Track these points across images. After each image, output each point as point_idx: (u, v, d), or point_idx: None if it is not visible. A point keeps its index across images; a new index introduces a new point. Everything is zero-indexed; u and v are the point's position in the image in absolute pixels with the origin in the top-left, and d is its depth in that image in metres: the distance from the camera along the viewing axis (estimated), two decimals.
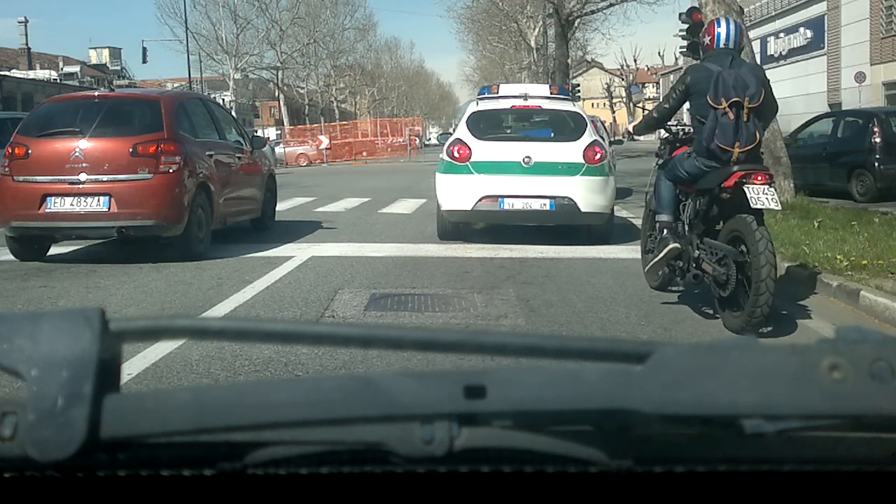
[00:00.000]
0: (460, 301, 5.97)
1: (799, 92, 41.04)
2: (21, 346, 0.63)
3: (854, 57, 36.15)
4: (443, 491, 0.69)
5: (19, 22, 62.03)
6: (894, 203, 11.86)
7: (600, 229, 9.09)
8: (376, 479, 0.67)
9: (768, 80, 5.34)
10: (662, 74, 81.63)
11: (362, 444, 0.64)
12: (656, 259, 5.63)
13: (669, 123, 5.97)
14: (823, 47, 40.23)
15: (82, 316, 0.63)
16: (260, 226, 10.43)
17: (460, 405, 0.60)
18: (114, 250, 8.71)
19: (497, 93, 10.16)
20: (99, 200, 7.81)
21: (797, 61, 42.93)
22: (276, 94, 55.39)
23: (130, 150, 7.85)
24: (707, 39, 5.50)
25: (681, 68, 69.53)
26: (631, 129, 6.42)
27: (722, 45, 5.40)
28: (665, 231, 5.61)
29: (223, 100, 46.60)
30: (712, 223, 5.40)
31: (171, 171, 7.90)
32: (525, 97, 9.87)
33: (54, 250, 8.58)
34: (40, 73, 56.05)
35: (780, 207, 5.14)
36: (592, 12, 35.93)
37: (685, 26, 13.79)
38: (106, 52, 72.46)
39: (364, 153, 48.93)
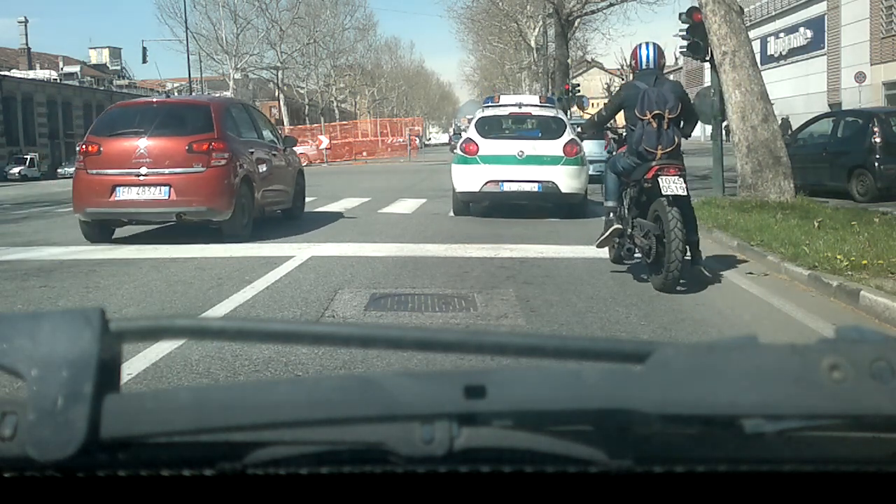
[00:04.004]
0: (460, 301, 5.97)
1: (799, 92, 41.06)
2: (21, 346, 0.62)
3: (854, 57, 36.15)
4: (443, 491, 0.69)
5: (19, 22, 62.02)
6: (894, 203, 11.85)
7: (577, 207, 11.76)
8: (376, 479, 0.67)
9: (686, 94, 6.63)
10: None
11: (362, 444, 0.64)
12: (602, 237, 6.89)
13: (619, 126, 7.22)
14: (823, 47, 40.22)
15: (82, 316, 0.63)
16: (290, 216, 11.68)
17: (460, 405, 0.60)
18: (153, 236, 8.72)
19: (498, 102, 13.17)
20: (160, 190, 9.16)
21: (797, 61, 42.92)
22: (276, 94, 55.42)
23: (187, 147, 9.20)
24: (633, 62, 6.82)
25: (681, 68, 69.60)
26: (580, 130, 7.83)
27: (644, 67, 6.65)
28: (611, 214, 6.79)
29: None
30: (644, 207, 6.49)
31: (220, 165, 9.24)
32: (520, 106, 12.85)
33: (55, 251, 8.59)
34: (40, 73, 56.05)
35: (685, 193, 6.15)
36: (592, 12, 35.92)
37: (685, 26, 13.77)
38: (106, 52, 72.44)
39: (364, 153, 48.96)
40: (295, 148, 12.85)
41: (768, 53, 44.93)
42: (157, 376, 4.02)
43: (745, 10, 15.35)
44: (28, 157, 46.39)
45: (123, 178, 9.16)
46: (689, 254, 6.25)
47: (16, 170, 44.47)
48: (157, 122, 9.59)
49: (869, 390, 0.58)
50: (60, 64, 61.24)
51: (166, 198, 9.14)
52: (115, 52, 73.34)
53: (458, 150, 12.20)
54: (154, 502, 0.70)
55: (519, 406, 0.60)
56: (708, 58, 12.99)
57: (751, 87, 11.56)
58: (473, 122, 12.79)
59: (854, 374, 0.58)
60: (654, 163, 6.18)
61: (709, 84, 14.19)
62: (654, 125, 6.25)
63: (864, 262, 6.31)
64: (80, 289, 6.63)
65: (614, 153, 6.94)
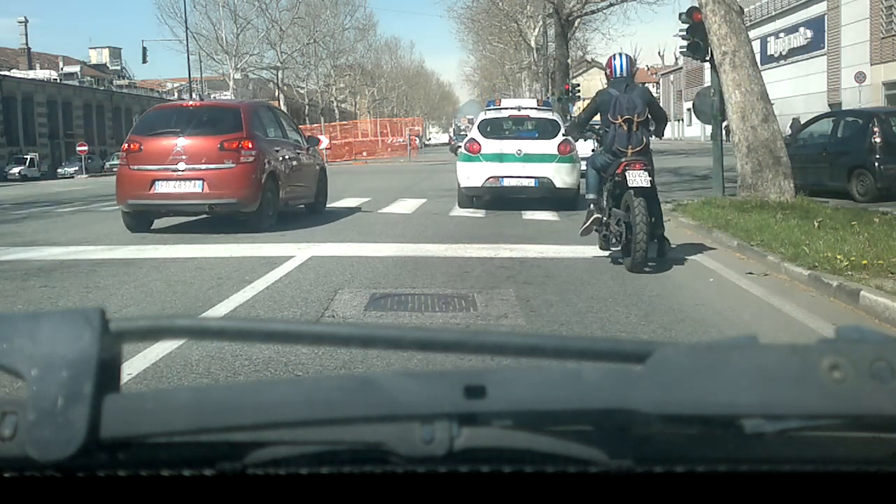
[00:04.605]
0: (460, 301, 5.96)
1: (799, 92, 41.05)
2: (21, 346, 0.62)
3: (854, 57, 36.14)
4: (443, 491, 0.69)
5: (19, 22, 62.05)
6: (894, 203, 11.84)
7: (570, 200, 12.91)
8: (376, 479, 0.67)
9: (653, 99, 7.63)
10: (662, 74, 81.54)
11: (362, 444, 0.64)
12: (584, 225, 7.70)
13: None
14: (823, 47, 40.22)
15: (82, 316, 0.63)
16: (313, 210, 12.54)
17: (460, 405, 0.60)
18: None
19: (500, 105, 14.65)
20: (195, 184, 10.18)
21: (797, 61, 42.92)
22: (276, 94, 55.41)
23: (219, 145, 10.21)
24: (608, 71, 7.65)
25: (681, 68, 69.47)
26: (565, 131, 9.05)
27: (618, 75, 7.46)
28: (592, 205, 7.66)
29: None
30: (618, 199, 7.25)
31: (248, 162, 10.25)
32: (519, 109, 14.26)
33: (55, 251, 8.57)
34: (40, 73, 56.05)
35: (649, 185, 6.96)
36: (592, 12, 35.92)
37: (685, 26, 13.76)
38: (106, 52, 72.45)
39: (364, 153, 48.96)
40: None
41: (768, 53, 44.92)
42: (157, 376, 4.02)
43: (745, 10, 15.35)
44: (28, 157, 46.39)
45: (162, 173, 10.19)
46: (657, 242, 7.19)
47: (16, 170, 44.48)
48: (193, 123, 10.66)
49: (869, 390, 0.58)
50: (60, 64, 61.24)
51: (200, 191, 10.16)
52: (115, 52, 73.35)
53: (462, 150, 13.55)
54: (154, 502, 0.70)
55: (519, 406, 0.60)
56: (708, 58, 12.98)
57: (751, 87, 11.55)
58: (476, 123, 14.27)
59: (854, 374, 0.58)
60: (623, 159, 7.06)
61: (709, 84, 14.19)
62: (625, 128, 7.13)
63: (864, 262, 6.31)
64: (80, 289, 6.63)
65: (594, 151, 7.88)
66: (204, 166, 10.16)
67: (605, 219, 7.42)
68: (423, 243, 9.11)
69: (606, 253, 7.62)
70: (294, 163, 11.66)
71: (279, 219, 10.94)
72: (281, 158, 11.15)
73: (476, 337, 0.66)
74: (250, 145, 10.31)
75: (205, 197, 10.20)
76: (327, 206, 13.79)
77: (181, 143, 10.31)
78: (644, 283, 6.51)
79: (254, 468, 0.66)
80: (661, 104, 8.07)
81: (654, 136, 7.53)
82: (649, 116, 7.29)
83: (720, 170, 13.77)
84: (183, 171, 10.16)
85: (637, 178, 6.93)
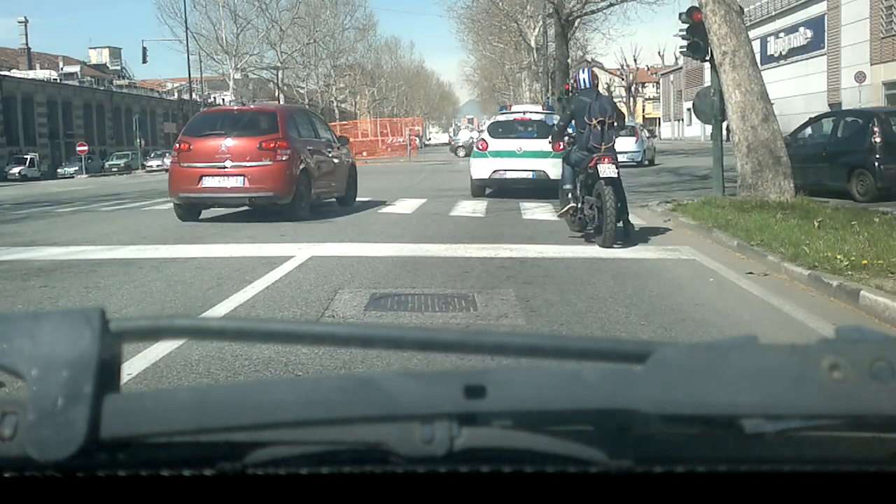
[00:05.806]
0: (460, 301, 5.96)
1: (799, 92, 41.05)
2: (21, 346, 0.62)
3: (854, 57, 36.15)
4: (443, 491, 0.69)
5: (19, 22, 62.05)
6: (894, 203, 11.83)
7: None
8: (376, 479, 0.67)
9: (615, 104, 9.14)
10: (662, 74, 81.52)
11: (362, 444, 0.64)
12: (561, 212, 9.48)
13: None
14: (823, 47, 40.22)
15: (82, 316, 0.63)
16: (343, 203, 13.92)
17: (460, 405, 0.60)
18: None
19: (510, 110, 18.87)
20: (238, 179, 11.59)
21: (797, 61, 42.92)
22: (276, 94, 55.42)
23: (258, 145, 11.59)
24: (575, 84, 9.49)
25: (681, 68, 69.44)
26: (550, 139, 10.41)
27: (583, 87, 9.09)
28: (568, 195, 9.22)
29: (223, 100, 46.67)
30: (590, 188, 8.73)
31: (283, 160, 11.62)
32: (524, 113, 17.67)
33: (56, 251, 8.56)
34: (40, 73, 56.06)
35: (616, 175, 8.37)
36: (592, 12, 35.94)
37: (685, 26, 13.75)
38: (106, 52, 72.47)
39: (364, 153, 48.96)
40: None
41: (768, 53, 44.92)
42: (157, 376, 4.01)
43: (745, 10, 15.35)
44: (28, 157, 46.38)
45: (208, 169, 11.61)
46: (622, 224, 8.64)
47: (16, 170, 44.47)
48: (235, 125, 12.09)
49: (869, 390, 0.58)
50: (60, 64, 61.24)
51: (242, 185, 11.56)
52: (115, 52, 73.37)
53: (474, 147, 16.75)
54: (154, 502, 0.70)
55: (519, 406, 0.60)
56: (708, 58, 12.97)
57: (751, 87, 11.54)
58: (487, 125, 17.81)
59: (854, 374, 0.58)
60: (594, 155, 8.46)
61: (709, 84, 14.19)
62: (599, 128, 8.54)
63: (864, 262, 6.31)
64: (80, 289, 6.63)
65: (571, 149, 9.36)
66: (245, 164, 11.52)
67: (578, 205, 8.96)
68: (423, 243, 9.11)
69: (581, 234, 9.14)
70: (325, 160, 12.99)
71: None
72: (313, 156, 12.46)
73: (476, 337, 0.66)
74: (285, 145, 11.66)
75: (246, 191, 11.56)
76: (325, 208, 13.82)
77: (226, 143, 11.66)
78: (644, 283, 6.51)
79: (254, 468, 0.66)
80: (622, 107, 11.06)
81: (623, 130, 9.30)
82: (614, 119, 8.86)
83: (720, 170, 13.76)
84: (228, 167, 11.56)
85: (607, 170, 8.38)
